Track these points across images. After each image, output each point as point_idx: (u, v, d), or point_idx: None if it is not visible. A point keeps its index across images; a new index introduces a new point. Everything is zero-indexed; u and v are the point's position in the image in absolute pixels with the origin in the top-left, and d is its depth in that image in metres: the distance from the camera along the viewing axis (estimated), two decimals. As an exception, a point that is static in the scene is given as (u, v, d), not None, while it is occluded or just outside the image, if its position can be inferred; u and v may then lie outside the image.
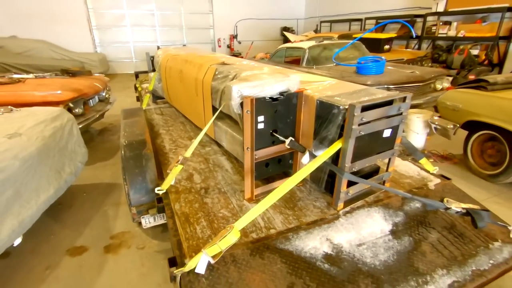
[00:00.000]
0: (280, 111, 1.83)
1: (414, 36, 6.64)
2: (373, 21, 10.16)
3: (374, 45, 7.07)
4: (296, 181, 1.57)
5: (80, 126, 3.40)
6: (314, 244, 1.59)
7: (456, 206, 1.75)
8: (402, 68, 4.77)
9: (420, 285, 1.43)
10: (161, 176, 2.18)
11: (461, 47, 7.05)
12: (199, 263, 1.35)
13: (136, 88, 5.14)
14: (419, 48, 8.68)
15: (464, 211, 1.73)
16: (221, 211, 1.81)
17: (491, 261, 1.61)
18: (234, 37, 13.03)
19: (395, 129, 1.85)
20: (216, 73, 2.24)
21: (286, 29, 13.68)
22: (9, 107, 2.52)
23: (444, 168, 3.43)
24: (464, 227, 1.81)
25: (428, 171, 2.32)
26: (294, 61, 6.22)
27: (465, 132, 3.34)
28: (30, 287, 1.87)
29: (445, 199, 1.80)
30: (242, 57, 10.81)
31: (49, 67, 7.45)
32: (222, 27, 12.94)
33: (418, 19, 8.60)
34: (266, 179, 2.09)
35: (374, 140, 1.78)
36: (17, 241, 1.82)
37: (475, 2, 6.90)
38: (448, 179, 2.25)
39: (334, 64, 5.13)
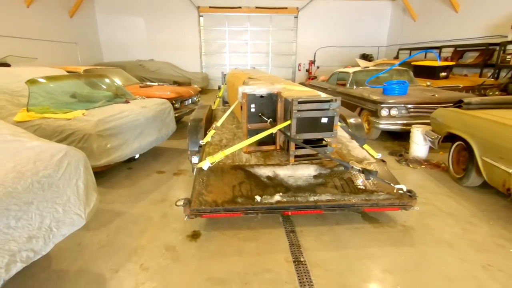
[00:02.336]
0: (266, 103, 3.28)
1: (438, 64, 6.75)
2: (451, 49, 10.11)
3: (430, 72, 7.46)
4: (259, 137, 3.01)
5: (176, 114, 5.55)
6: (264, 171, 2.96)
7: (357, 166, 2.81)
8: (424, 91, 5.37)
9: (309, 196, 2.64)
10: (206, 138, 3.89)
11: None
12: (204, 164, 2.92)
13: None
14: (497, 78, 8.33)
15: (361, 169, 2.78)
16: (228, 155, 3.34)
17: (365, 198, 2.64)
18: (312, 62, 14.57)
19: (330, 119, 3.04)
20: (244, 83, 3.85)
21: (364, 55, 14.41)
22: (143, 97, 4.75)
23: (430, 173, 4.05)
24: (367, 183, 2.83)
25: (372, 156, 3.30)
26: (344, 83, 7.32)
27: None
28: (138, 179, 3.81)
29: (350, 161, 2.88)
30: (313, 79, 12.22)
31: (168, 80, 10.58)
32: (303, 54, 14.70)
33: (498, 48, 8.33)
34: (258, 144, 3.53)
35: (313, 123, 3.02)
36: (137, 156, 3.81)
37: (555, 30, 6.56)
38: (384, 161, 3.20)
39: (368, 86, 6.09)
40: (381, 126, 5.21)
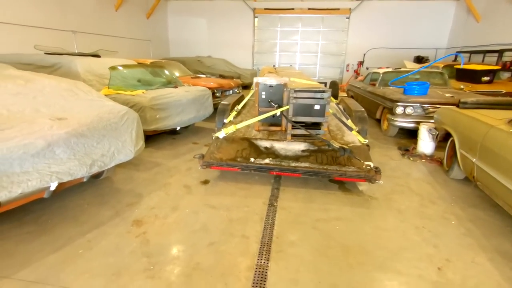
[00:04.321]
0: (274, 92, 4.10)
1: (461, 67, 6.39)
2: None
3: (472, 76, 7.26)
4: (263, 117, 3.86)
5: (218, 101, 6.68)
6: (264, 143, 3.81)
7: (336, 144, 3.47)
8: (445, 93, 5.49)
9: (292, 162, 3.41)
10: (230, 118, 4.88)
11: None
12: (220, 134, 3.90)
13: (255, 90, 8.26)
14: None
15: (338, 147, 3.43)
16: (241, 130, 4.26)
17: (336, 169, 3.30)
18: (361, 63, 14.56)
19: (322, 106, 3.73)
20: (264, 75, 4.72)
21: (419, 58, 13.86)
22: (190, 84, 5.97)
23: (427, 166, 4.36)
24: (343, 159, 3.48)
25: (360, 141, 3.87)
26: (375, 83, 7.62)
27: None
28: (177, 146, 4.98)
29: (331, 140, 3.53)
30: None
31: (216, 74, 11.93)
32: (353, 54, 14.78)
33: None
34: (269, 125, 4.37)
35: (308, 108, 3.75)
36: (178, 128, 4.99)
37: None
38: (368, 146, 3.76)
39: (392, 87, 6.39)
40: (397, 124, 5.56)
